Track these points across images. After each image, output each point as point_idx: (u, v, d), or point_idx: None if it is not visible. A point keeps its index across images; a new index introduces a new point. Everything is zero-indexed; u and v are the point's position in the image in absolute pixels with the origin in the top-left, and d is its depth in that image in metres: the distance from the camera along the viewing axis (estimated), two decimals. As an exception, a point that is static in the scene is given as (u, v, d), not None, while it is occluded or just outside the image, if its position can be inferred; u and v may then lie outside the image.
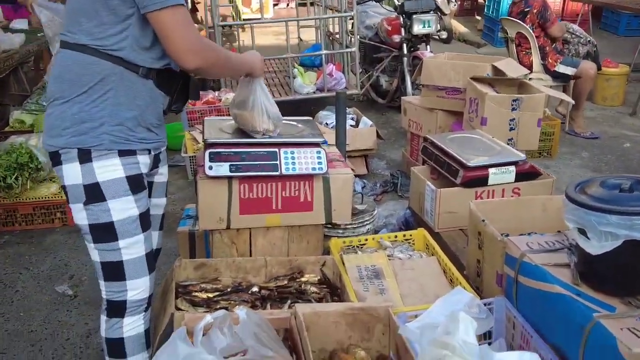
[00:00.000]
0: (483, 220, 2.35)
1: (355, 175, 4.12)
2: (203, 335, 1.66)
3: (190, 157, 4.88)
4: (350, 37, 6.60)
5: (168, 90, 1.90)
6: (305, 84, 6.02)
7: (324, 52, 6.18)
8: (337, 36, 7.08)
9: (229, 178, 2.45)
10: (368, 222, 3.29)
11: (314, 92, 6.09)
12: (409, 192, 4.49)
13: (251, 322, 1.73)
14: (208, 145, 2.46)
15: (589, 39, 6.28)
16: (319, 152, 2.50)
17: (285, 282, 2.43)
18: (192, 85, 2.01)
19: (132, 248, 1.85)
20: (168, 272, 2.46)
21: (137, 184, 1.84)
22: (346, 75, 6.39)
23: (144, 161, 1.88)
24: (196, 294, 2.34)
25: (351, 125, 4.87)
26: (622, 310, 1.66)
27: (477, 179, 2.93)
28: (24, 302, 3.38)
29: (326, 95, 6.04)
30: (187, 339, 1.60)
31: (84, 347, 2.96)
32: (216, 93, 5.68)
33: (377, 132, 4.89)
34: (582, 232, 1.72)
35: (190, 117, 5.23)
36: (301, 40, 8.12)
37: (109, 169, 1.78)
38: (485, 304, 2.04)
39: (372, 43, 6.88)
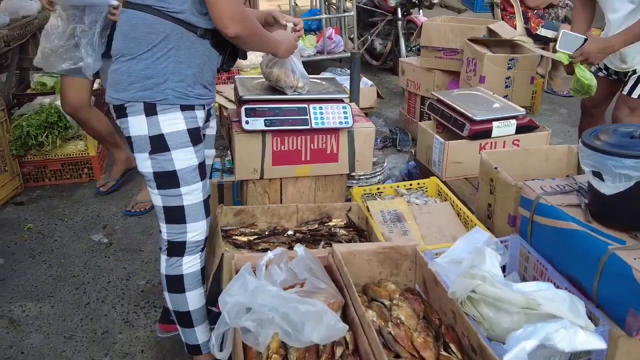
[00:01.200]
0: (495, 168, 2.41)
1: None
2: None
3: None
4: (347, 2, 6.52)
5: (222, 49, 1.90)
6: (306, 47, 5.97)
7: (324, 16, 6.13)
8: (334, 1, 6.98)
9: (263, 132, 2.47)
10: (379, 173, 3.35)
11: (315, 55, 6.05)
12: (407, 147, 4.56)
13: (306, 258, 1.78)
14: (243, 102, 2.47)
15: (567, 2, 6.28)
16: (344, 108, 2.52)
17: (316, 226, 2.49)
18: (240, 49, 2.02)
19: (192, 194, 1.88)
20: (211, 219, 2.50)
21: (196, 136, 1.86)
22: (343, 38, 6.33)
23: (200, 116, 1.89)
24: (236, 237, 2.40)
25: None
26: (631, 243, 1.74)
27: (482, 132, 2.98)
28: (63, 250, 3.40)
29: (326, 57, 6.01)
30: (252, 273, 1.65)
31: (125, 289, 3.00)
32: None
33: (377, 91, 4.89)
34: (596, 174, 1.78)
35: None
36: (297, 5, 7.98)
37: (173, 122, 1.80)
38: (501, 242, 2.12)
39: (367, 8, 6.81)
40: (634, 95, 3.09)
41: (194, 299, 2.00)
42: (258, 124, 2.43)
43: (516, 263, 2.15)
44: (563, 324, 1.60)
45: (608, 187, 1.75)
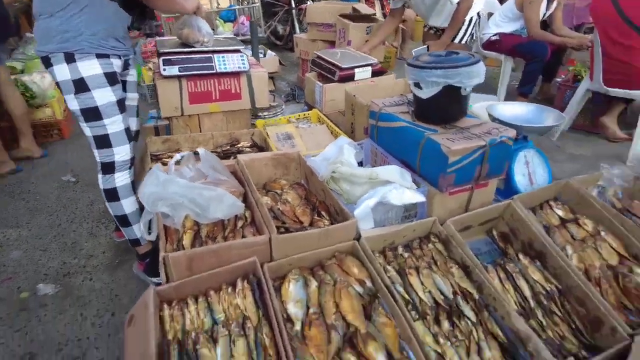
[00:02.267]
0: (354, 95, 2.38)
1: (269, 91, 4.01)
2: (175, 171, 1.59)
3: (147, 85, 4.46)
4: (253, -3, 6.17)
5: (129, 10, 1.68)
6: (225, 31, 5.62)
7: (237, 7, 5.78)
8: (245, -2, 6.59)
9: (179, 77, 2.28)
10: (280, 113, 3.23)
11: (232, 37, 5.72)
12: (302, 98, 4.44)
13: (209, 158, 1.67)
14: (161, 54, 2.25)
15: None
16: (242, 57, 2.37)
17: (228, 147, 2.36)
18: (149, 9, 1.81)
19: (114, 124, 1.70)
20: (142, 146, 2.31)
21: (112, 79, 1.66)
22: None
23: (116, 63, 1.69)
24: (164, 159, 2.23)
25: (262, 55, 4.66)
26: (441, 131, 1.76)
27: (348, 76, 2.92)
28: (39, 189, 3.05)
29: (240, 39, 5.68)
30: (163, 170, 1.52)
31: (89, 211, 2.75)
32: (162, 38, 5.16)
33: (279, 60, 4.70)
34: (417, 85, 1.77)
35: (144, 57, 4.75)
36: (219, 4, 7.48)
37: (90, 67, 1.59)
38: (358, 144, 2.10)
39: (270, 1, 6.48)
40: None
41: (128, 204, 1.85)
42: (174, 70, 2.24)
43: (369, 158, 2.15)
44: (395, 186, 1.61)
45: (424, 93, 1.74)
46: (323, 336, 1.28)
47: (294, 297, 1.37)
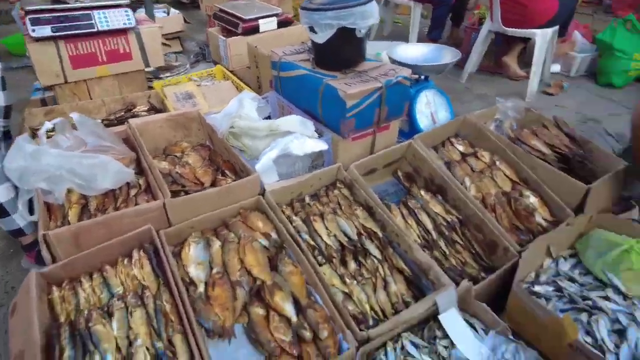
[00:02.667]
0: (255, 47, 2.27)
1: (173, 52, 3.75)
2: (48, 139, 1.43)
3: (33, 55, 3.97)
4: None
5: None
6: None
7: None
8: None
9: (54, 39, 2.03)
10: (184, 73, 3.03)
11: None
12: (211, 57, 4.21)
13: (87, 124, 1.52)
14: (28, 13, 1.98)
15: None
16: (127, 11, 2.15)
17: (122, 113, 2.18)
18: None
19: None
20: (19, 120, 2.06)
21: None
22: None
23: None
24: (50, 133, 2.01)
25: (165, 14, 4.31)
26: (340, 76, 1.73)
27: (251, 28, 2.79)
28: None
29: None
30: (31, 141, 1.36)
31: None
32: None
33: (183, 17, 4.37)
34: (312, 29, 1.71)
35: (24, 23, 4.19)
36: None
37: None
38: (263, 98, 2.03)
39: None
40: None
41: (2, 193, 1.64)
42: (45, 31, 1.99)
43: (277, 111, 2.09)
44: (296, 136, 1.58)
45: (319, 37, 1.69)
46: (228, 294, 1.26)
47: (194, 259, 1.32)
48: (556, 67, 3.80)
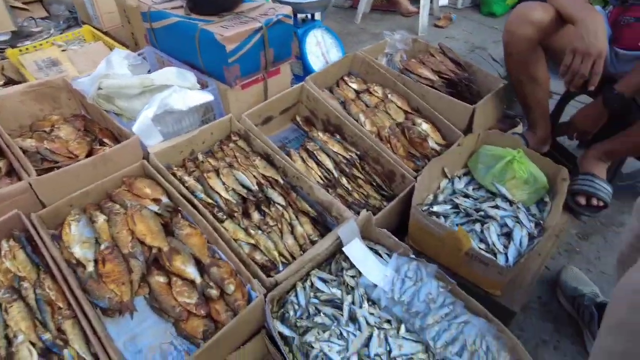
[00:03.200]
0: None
1: (35, 18, 3.26)
2: None
3: None
4: None
5: None
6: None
7: None
8: None
9: None
10: (46, 38, 2.66)
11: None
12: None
13: None
14: None
15: None
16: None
17: (-29, 91, 1.86)
18: None
19: None
20: None
21: None
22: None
23: None
24: None
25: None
26: (216, 20, 1.61)
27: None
28: None
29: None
30: None
31: None
32: None
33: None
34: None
35: None
36: None
37: None
38: (138, 54, 1.84)
39: None
40: None
41: None
42: None
43: (156, 67, 1.91)
44: (174, 90, 1.46)
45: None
46: (121, 268, 1.17)
47: (78, 238, 1.20)
48: (444, 1, 3.94)
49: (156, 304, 1.16)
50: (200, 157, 1.51)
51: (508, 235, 1.40)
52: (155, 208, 1.30)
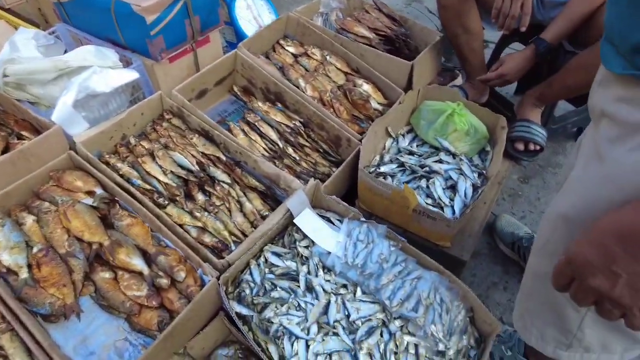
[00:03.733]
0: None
1: None
2: None
3: None
4: None
5: None
6: None
7: None
8: None
9: None
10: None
11: None
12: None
13: None
14: None
15: None
16: None
17: None
18: None
19: None
20: None
21: None
22: None
23: None
24: None
25: None
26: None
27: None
28: None
29: None
30: None
31: None
32: None
33: None
34: None
35: None
36: None
37: None
38: (49, 33, 1.67)
39: None
40: None
41: None
42: None
43: (73, 46, 1.75)
44: (94, 70, 1.35)
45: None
46: (59, 270, 1.10)
47: (5, 245, 1.11)
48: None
49: (104, 302, 1.12)
50: (133, 140, 1.42)
51: (453, 188, 1.45)
52: (89, 201, 1.22)
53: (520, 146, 1.65)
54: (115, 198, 1.25)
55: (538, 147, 1.64)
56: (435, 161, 1.53)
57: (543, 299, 0.91)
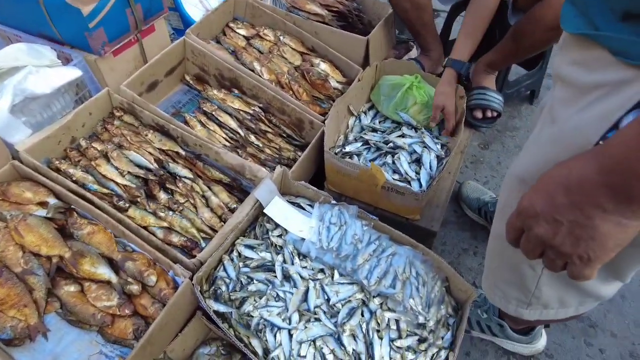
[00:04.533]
0: None
1: None
2: None
3: None
4: None
5: None
6: None
7: None
8: None
9: None
10: None
11: None
12: None
13: None
14: None
15: None
16: None
17: None
18: None
19: None
20: None
21: None
22: None
23: None
24: None
25: None
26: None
27: None
28: None
29: None
30: None
31: None
32: None
33: None
34: None
35: None
36: None
37: None
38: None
39: None
40: None
41: None
42: None
43: (3, 46, 1.61)
44: (29, 71, 1.24)
45: None
46: (18, 290, 1.03)
47: (-48, 269, 1.03)
48: None
49: (73, 317, 1.06)
50: (84, 143, 1.33)
51: (418, 162, 1.46)
52: (43, 213, 1.14)
53: (479, 114, 1.68)
54: (72, 206, 1.17)
55: (496, 114, 1.68)
56: (399, 136, 1.53)
57: (504, 260, 0.94)
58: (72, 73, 1.30)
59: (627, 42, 0.55)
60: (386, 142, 1.51)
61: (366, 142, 1.52)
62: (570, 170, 0.55)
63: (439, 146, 1.49)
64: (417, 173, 1.41)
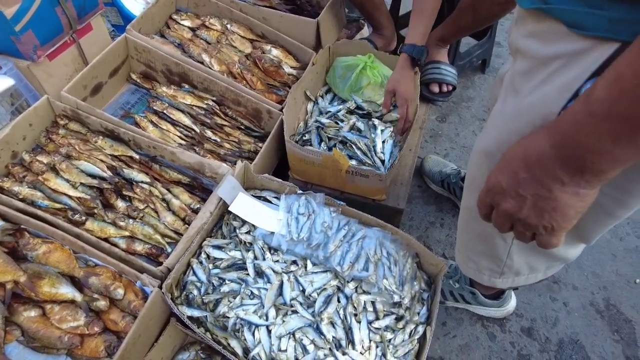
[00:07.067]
0: None
1: None
2: None
3: None
4: None
5: None
6: None
7: None
8: None
9: None
10: None
11: None
12: None
13: None
14: None
15: None
16: None
17: None
18: None
19: None
20: None
21: None
22: None
23: None
24: None
25: None
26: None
27: None
28: None
29: None
30: None
31: None
32: None
33: None
34: None
35: None
36: None
37: None
38: None
39: None
40: None
41: None
42: None
43: None
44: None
45: None
46: (-28, 322, 0.96)
47: None
48: None
49: (37, 343, 1.00)
50: (27, 157, 1.24)
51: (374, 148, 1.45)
52: (-11, 237, 1.06)
53: (435, 88, 1.69)
54: (22, 226, 1.09)
55: (450, 87, 1.69)
56: (351, 129, 1.49)
57: (476, 232, 0.96)
58: (3, 82, 1.20)
59: (580, 13, 0.56)
60: (350, 126, 1.49)
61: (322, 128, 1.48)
62: (528, 147, 0.56)
63: (390, 128, 1.47)
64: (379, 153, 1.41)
